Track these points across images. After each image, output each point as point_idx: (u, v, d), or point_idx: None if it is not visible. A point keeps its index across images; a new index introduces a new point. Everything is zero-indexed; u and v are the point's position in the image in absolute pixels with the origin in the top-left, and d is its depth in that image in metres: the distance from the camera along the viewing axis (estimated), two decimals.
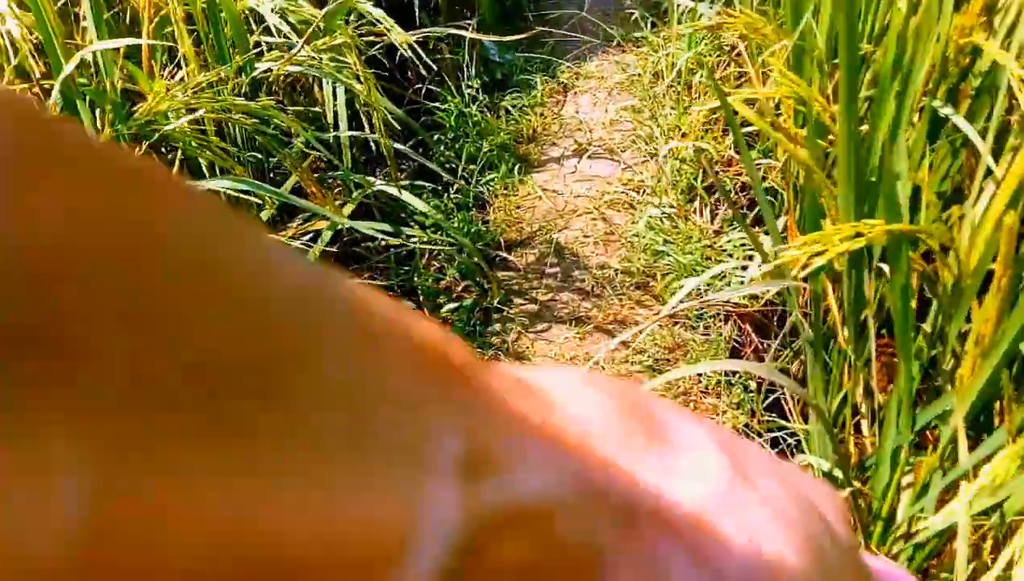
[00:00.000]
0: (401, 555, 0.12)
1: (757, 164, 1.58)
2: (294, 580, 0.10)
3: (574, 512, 0.14)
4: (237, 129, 1.53)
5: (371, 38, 1.61)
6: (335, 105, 1.61)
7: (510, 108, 2.09)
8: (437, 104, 2.00)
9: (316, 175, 1.64)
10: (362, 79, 1.46)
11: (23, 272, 0.08)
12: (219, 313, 0.10)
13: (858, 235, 0.99)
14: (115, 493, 0.09)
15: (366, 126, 1.63)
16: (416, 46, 1.52)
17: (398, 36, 1.44)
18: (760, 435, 1.38)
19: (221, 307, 0.10)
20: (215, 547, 0.10)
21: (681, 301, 1.45)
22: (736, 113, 1.19)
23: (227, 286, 0.10)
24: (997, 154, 1.10)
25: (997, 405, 1.07)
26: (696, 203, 1.79)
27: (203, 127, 1.44)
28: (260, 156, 1.61)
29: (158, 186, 0.10)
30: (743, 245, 1.68)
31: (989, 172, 1.09)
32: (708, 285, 1.57)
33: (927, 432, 1.19)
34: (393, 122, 1.64)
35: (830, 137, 1.26)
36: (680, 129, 1.90)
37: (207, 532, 0.09)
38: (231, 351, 0.10)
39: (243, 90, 1.50)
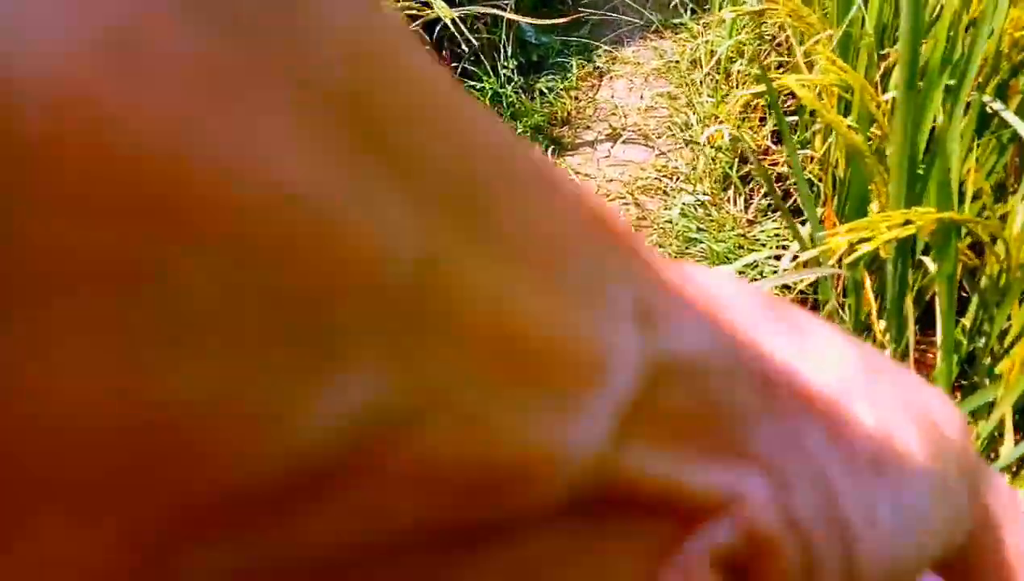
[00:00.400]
0: (603, 375, 0.12)
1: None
2: (527, 368, 0.11)
3: (721, 375, 0.15)
4: None
5: (412, 12, 1.61)
6: None
7: (545, 90, 2.09)
8: (472, 84, 2.00)
9: None
10: None
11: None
12: (447, 141, 0.11)
13: (907, 223, 0.98)
14: (435, 255, 0.10)
15: None
16: (458, 21, 1.52)
17: (442, 11, 1.43)
18: None
19: (449, 137, 0.11)
20: (494, 321, 0.11)
21: None
22: (779, 99, 1.19)
23: (456, 121, 0.11)
24: None
25: None
26: (730, 192, 1.78)
27: None
28: None
29: (404, 38, 0.11)
30: (777, 235, 1.67)
31: None
32: (740, 274, 1.56)
33: None
34: None
35: (873, 128, 1.25)
36: (717, 117, 1.89)
37: (491, 312, 0.11)
38: (457, 174, 0.11)
39: None
